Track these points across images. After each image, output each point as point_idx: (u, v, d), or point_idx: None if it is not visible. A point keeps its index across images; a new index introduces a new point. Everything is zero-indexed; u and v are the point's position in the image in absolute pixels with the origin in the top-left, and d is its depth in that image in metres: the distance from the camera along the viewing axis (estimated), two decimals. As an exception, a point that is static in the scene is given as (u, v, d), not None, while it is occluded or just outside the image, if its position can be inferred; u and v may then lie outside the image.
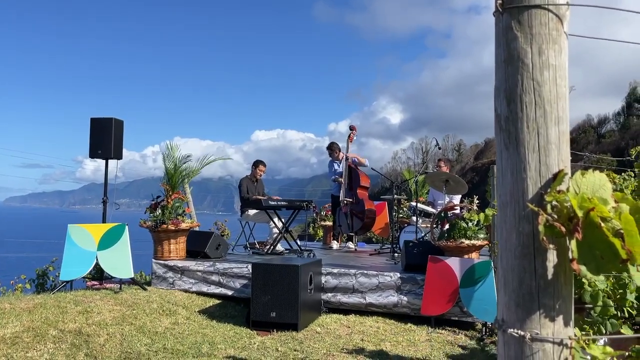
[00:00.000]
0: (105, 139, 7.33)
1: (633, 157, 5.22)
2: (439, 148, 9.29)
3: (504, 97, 1.09)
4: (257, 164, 9.37)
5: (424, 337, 6.40)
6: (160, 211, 7.23)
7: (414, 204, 9.19)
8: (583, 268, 0.98)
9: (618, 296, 3.32)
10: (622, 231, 1.01)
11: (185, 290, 7.40)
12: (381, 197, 10.53)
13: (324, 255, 9.13)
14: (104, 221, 7.50)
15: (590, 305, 3.20)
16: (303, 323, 6.31)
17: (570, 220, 0.99)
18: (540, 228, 0.99)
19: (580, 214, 0.98)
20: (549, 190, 1.04)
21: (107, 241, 6.91)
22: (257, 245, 9.22)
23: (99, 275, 7.50)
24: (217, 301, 7.26)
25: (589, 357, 1.11)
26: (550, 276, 1.06)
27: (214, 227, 10.42)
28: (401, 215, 10.70)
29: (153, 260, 7.60)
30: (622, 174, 7.71)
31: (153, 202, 7.36)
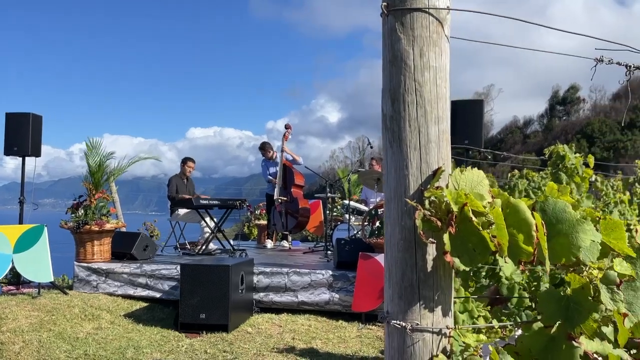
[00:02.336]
0: (21, 135, 6.92)
1: (547, 156, 5.53)
2: (371, 147, 9.45)
3: (388, 97, 1.13)
4: (185, 160, 9.17)
5: (355, 334, 6.51)
6: (82, 211, 6.92)
7: (347, 202, 9.32)
8: (457, 260, 1.03)
9: (532, 288, 3.51)
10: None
11: (110, 294, 7.13)
12: (315, 195, 10.59)
13: (257, 254, 9.08)
14: (20, 222, 7.09)
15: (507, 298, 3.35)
16: (234, 324, 6.24)
17: (449, 215, 1.03)
18: (418, 222, 1.03)
19: (455, 208, 1.03)
20: (428, 186, 1.09)
21: (23, 243, 6.53)
22: (188, 246, 9.03)
23: (15, 279, 7.09)
24: (145, 304, 7.04)
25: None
26: (429, 269, 1.10)
27: (143, 228, 10.10)
28: (335, 214, 10.82)
29: (75, 263, 7.27)
30: (540, 172, 8.15)
31: (75, 201, 7.04)
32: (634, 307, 1.08)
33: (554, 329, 1.09)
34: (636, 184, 7.83)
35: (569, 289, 1.09)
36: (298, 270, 7.06)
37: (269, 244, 10.32)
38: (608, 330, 1.13)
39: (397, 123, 1.11)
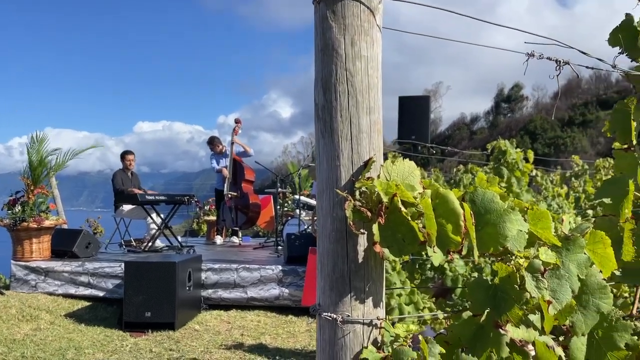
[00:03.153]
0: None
1: (489, 151, 5.72)
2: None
3: (320, 87, 1.11)
4: (124, 154, 8.89)
5: (304, 328, 6.52)
6: (20, 208, 6.59)
7: (297, 197, 9.30)
8: (386, 251, 1.03)
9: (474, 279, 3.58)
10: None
11: (50, 293, 6.84)
12: (266, 190, 10.52)
13: (206, 251, 8.94)
14: (-51, 220, 6.69)
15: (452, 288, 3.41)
16: (181, 321, 6.13)
17: (379, 205, 1.03)
18: (348, 213, 1.02)
19: (385, 199, 1.03)
20: (359, 177, 1.08)
21: (-47, 242, 6.16)
22: (134, 243, 8.77)
23: (-55, 281, 6.68)
24: (87, 303, 6.80)
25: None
26: (361, 260, 1.10)
27: (86, 225, 9.74)
28: (286, 209, 10.78)
29: (12, 261, 6.92)
30: (484, 167, 8.41)
31: (11, 197, 6.69)
32: (558, 294, 1.11)
33: (483, 318, 1.11)
34: (572, 179, 8.21)
35: (496, 278, 1.11)
36: (247, 266, 7.00)
37: (219, 240, 10.18)
38: (535, 317, 1.16)
39: (328, 113, 1.10)
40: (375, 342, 1.11)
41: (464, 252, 1.04)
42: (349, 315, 1.08)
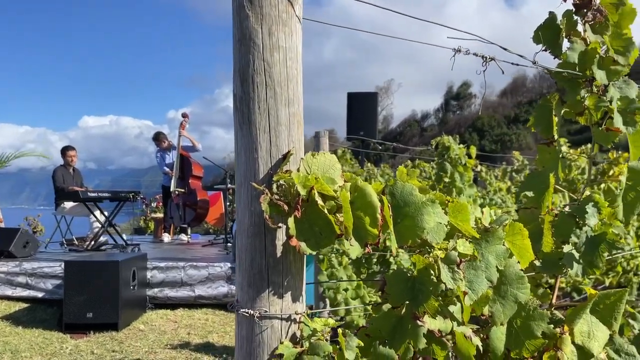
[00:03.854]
0: None
1: (433, 147, 5.84)
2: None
3: (238, 77, 1.09)
4: (64, 150, 8.54)
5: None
6: (-51, 206, 6.21)
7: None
8: (303, 244, 1.02)
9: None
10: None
11: (-16, 296, 6.50)
12: (215, 187, 10.35)
13: (153, 249, 8.73)
14: None
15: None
16: (124, 322, 5.97)
17: (304, 200, 1.02)
18: (264, 207, 1.00)
19: (303, 192, 1.01)
20: (278, 170, 1.07)
21: None
22: (76, 242, 8.46)
23: None
24: (25, 305, 6.51)
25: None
26: (279, 254, 1.08)
27: (24, 223, 9.31)
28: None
29: (-59, 263, 6.54)
30: (431, 162, 8.58)
31: (-61, 196, 6.31)
32: (474, 285, 1.13)
33: (403, 310, 1.11)
34: (513, 174, 8.50)
35: (415, 270, 1.13)
36: (195, 264, 6.88)
37: (167, 237, 9.95)
38: (456, 308, 1.18)
39: (246, 104, 1.07)
40: (293, 337, 1.10)
41: (381, 245, 1.05)
42: (266, 311, 1.07)
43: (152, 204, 11.28)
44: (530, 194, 1.55)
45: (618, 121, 1.52)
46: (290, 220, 1.00)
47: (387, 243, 1.10)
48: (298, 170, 1.06)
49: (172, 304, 6.85)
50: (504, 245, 1.24)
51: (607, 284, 6.68)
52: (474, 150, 5.62)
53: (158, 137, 9.66)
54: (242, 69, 1.08)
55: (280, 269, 1.09)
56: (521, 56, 1.55)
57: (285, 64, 1.09)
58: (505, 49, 1.49)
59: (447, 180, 5.42)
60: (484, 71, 1.65)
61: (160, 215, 10.68)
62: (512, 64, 1.69)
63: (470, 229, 1.19)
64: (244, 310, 1.06)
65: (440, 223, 1.13)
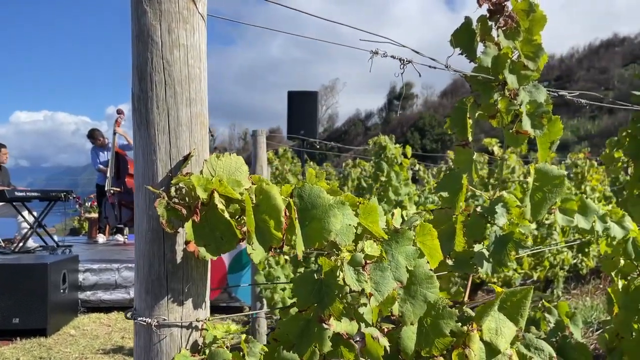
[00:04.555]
0: None
1: (370, 146, 5.92)
2: (212, 136, 9.23)
3: (136, 75, 1.04)
4: None
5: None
6: None
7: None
8: (202, 250, 0.99)
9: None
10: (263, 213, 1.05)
11: None
12: (153, 185, 10.04)
13: (86, 250, 8.40)
14: None
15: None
16: (54, 327, 5.72)
17: (203, 203, 0.99)
18: (160, 211, 0.97)
19: (204, 195, 0.99)
20: (178, 172, 1.03)
21: None
22: (2, 244, 8.00)
23: None
24: (-57, 312, 6.09)
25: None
26: (179, 260, 1.05)
27: (-57, 225, 8.72)
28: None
29: None
30: (370, 161, 8.69)
31: None
32: (380, 286, 1.14)
33: (309, 313, 1.11)
34: (447, 172, 8.77)
35: (322, 272, 1.12)
36: (130, 265, 6.67)
37: (101, 238, 9.60)
38: (366, 309, 1.18)
39: (144, 104, 1.03)
40: (195, 346, 1.07)
41: (285, 248, 1.03)
42: (165, 319, 1.03)
43: (86, 204, 10.83)
44: (445, 194, 1.58)
45: (527, 124, 1.58)
46: (188, 225, 0.97)
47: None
48: (201, 172, 1.03)
49: (105, 307, 6.62)
50: (414, 245, 1.26)
51: (535, 278, 7.01)
52: (409, 150, 5.74)
53: (93, 134, 9.30)
54: (140, 66, 1.03)
55: (180, 276, 1.05)
56: (433, 59, 1.58)
57: (187, 62, 1.05)
58: (417, 52, 1.51)
59: (383, 179, 5.51)
60: (401, 73, 1.67)
61: (94, 215, 10.28)
62: (429, 67, 1.73)
63: (380, 231, 1.20)
64: (141, 318, 1.02)
65: (350, 225, 1.13)
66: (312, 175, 1.18)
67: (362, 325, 1.16)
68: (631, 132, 2.47)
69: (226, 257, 6.76)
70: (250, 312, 6.92)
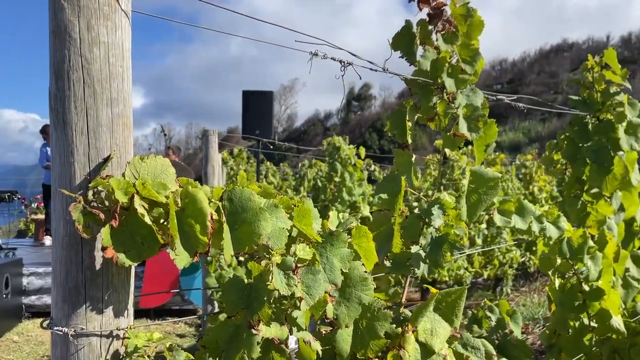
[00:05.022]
0: None
1: (324, 147, 5.93)
2: (165, 135, 9.07)
3: (52, 73, 1.00)
4: None
5: (142, 331, 6.20)
6: None
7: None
8: (122, 256, 0.96)
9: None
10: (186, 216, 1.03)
11: None
12: (105, 186, 9.76)
13: (32, 253, 8.08)
14: None
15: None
16: (-5, 334, 5.47)
17: (123, 207, 0.95)
18: (75, 215, 0.93)
19: (124, 199, 0.95)
20: (97, 175, 1.00)
21: None
22: (-61, 247, 7.60)
23: None
24: None
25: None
26: (98, 266, 1.01)
27: None
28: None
29: None
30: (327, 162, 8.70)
31: None
32: (311, 290, 1.13)
33: (240, 318, 1.09)
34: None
35: (252, 277, 1.10)
36: (78, 268, 6.46)
37: (48, 240, 9.24)
38: (300, 313, 1.17)
39: (61, 103, 0.98)
40: (116, 355, 1.03)
41: (211, 253, 1.01)
42: (83, 328, 0.99)
43: (32, 205, 10.40)
44: (384, 196, 1.59)
45: (463, 127, 1.61)
46: (105, 230, 0.93)
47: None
48: (123, 175, 0.99)
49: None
50: (349, 248, 1.26)
51: (485, 276, 7.19)
52: (363, 151, 5.78)
53: (45, 130, 8.94)
54: (57, 64, 0.99)
55: (100, 283, 1.01)
56: (371, 62, 1.58)
57: (108, 60, 1.01)
58: (354, 55, 1.51)
59: (337, 179, 5.54)
60: (342, 75, 1.67)
61: (41, 216, 9.89)
62: (371, 69, 1.73)
63: (313, 233, 1.19)
64: (57, 328, 0.98)
65: (283, 228, 1.12)
66: (243, 178, 1.16)
67: (295, 329, 1.14)
68: (569, 135, 2.55)
69: (179, 259, 6.64)
70: (194, 316, 6.80)
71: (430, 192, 2.05)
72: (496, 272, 7.11)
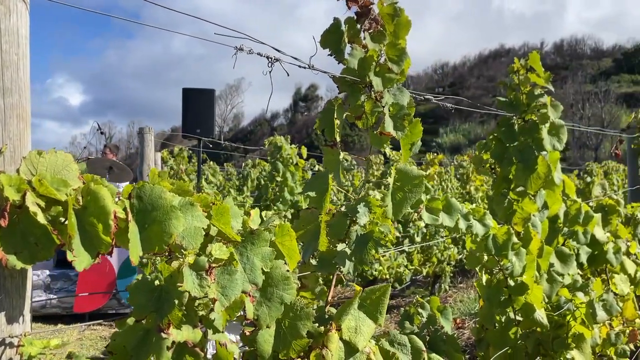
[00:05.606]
0: None
1: (266, 146, 5.88)
2: (102, 133, 8.72)
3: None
4: None
5: (76, 336, 5.96)
6: None
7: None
8: (12, 257, 0.89)
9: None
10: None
11: None
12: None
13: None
14: None
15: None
16: None
17: (15, 205, 0.89)
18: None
19: (16, 197, 0.89)
20: (-14, 171, 0.92)
21: None
22: None
23: None
24: None
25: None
26: None
27: None
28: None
29: None
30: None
31: None
32: (227, 290, 1.10)
33: (150, 322, 1.04)
34: (345, 173, 8.98)
35: (162, 278, 1.06)
36: (4, 273, 6.10)
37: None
38: (217, 315, 1.13)
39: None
40: (9, 364, 0.96)
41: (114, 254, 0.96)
42: (-30, 336, 0.92)
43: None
44: (312, 194, 1.58)
45: (389, 125, 1.62)
46: (-9, 231, 0.86)
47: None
48: (18, 171, 0.92)
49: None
50: (271, 247, 1.23)
51: (424, 273, 7.35)
52: (304, 151, 5.77)
53: None
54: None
55: (-10, 287, 0.94)
56: (296, 58, 1.57)
57: (0, 47, 0.94)
58: (278, 51, 1.49)
59: (279, 179, 5.50)
60: (270, 72, 1.64)
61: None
62: (300, 66, 1.72)
63: (231, 232, 1.16)
64: (-62, 337, 0.90)
65: (198, 227, 1.08)
66: (155, 175, 1.11)
67: (210, 331, 1.11)
68: (497, 135, 2.64)
69: (115, 262, 6.39)
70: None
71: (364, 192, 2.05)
72: (435, 269, 7.29)
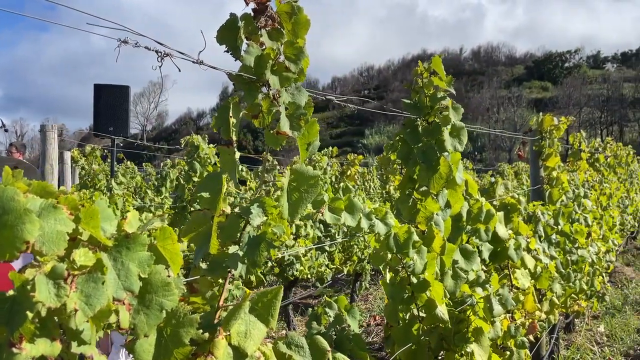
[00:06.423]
0: None
1: (182, 146, 5.70)
2: (6, 130, 8.11)
3: None
4: None
5: None
6: None
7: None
8: None
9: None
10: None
11: None
12: None
13: None
14: None
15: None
16: None
17: None
18: None
19: None
20: None
21: None
22: None
23: None
24: None
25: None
26: None
27: None
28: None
29: None
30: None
31: None
32: (92, 299, 1.02)
33: (3, 337, 0.95)
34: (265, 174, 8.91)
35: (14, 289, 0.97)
36: None
37: None
38: (86, 326, 1.05)
39: None
40: None
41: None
42: None
43: None
44: (205, 195, 1.52)
45: (285, 125, 1.60)
46: None
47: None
48: None
49: None
50: (149, 251, 1.17)
51: (345, 272, 7.45)
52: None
53: None
54: None
55: None
56: (183, 53, 1.51)
57: None
58: (160, 44, 1.43)
59: (196, 179, 5.35)
60: (160, 66, 1.57)
61: None
62: (194, 62, 1.65)
63: (100, 236, 1.08)
64: None
65: (60, 231, 1.00)
66: (8, 175, 1.01)
67: (74, 344, 1.03)
68: (403, 137, 2.70)
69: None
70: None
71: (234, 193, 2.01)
72: (355, 267, 7.40)
